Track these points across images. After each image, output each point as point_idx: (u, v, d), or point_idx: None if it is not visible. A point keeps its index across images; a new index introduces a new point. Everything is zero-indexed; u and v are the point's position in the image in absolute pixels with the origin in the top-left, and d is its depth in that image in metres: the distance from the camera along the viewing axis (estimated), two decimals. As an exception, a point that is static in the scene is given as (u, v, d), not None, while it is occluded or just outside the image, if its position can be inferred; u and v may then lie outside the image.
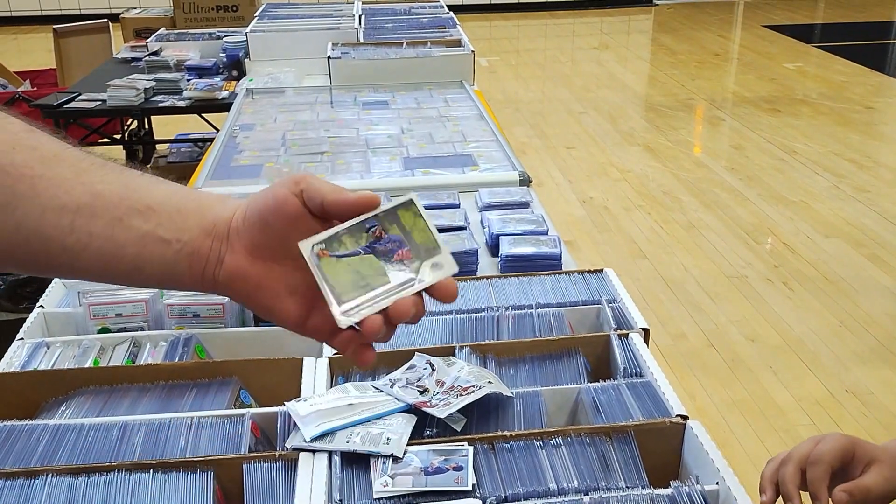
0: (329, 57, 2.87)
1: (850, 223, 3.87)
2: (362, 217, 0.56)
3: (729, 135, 5.42)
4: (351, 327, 0.55)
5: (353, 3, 3.76)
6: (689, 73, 6.73)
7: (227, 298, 1.23)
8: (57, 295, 1.36)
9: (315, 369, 1.11)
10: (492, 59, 7.33)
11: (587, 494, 0.85)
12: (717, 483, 0.86)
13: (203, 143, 3.84)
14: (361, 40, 3.17)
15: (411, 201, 0.57)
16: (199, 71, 3.45)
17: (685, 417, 0.97)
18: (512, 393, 1.04)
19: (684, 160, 4.89)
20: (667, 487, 0.86)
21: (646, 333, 1.17)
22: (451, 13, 3.62)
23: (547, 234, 1.62)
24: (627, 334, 1.15)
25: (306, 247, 0.55)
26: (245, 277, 0.57)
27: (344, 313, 0.55)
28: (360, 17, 3.49)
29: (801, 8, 9.35)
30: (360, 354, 0.57)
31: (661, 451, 0.96)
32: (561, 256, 1.52)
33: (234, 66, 3.45)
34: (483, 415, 1.01)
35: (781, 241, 3.73)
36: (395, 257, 0.56)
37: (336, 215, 0.56)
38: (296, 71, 3.05)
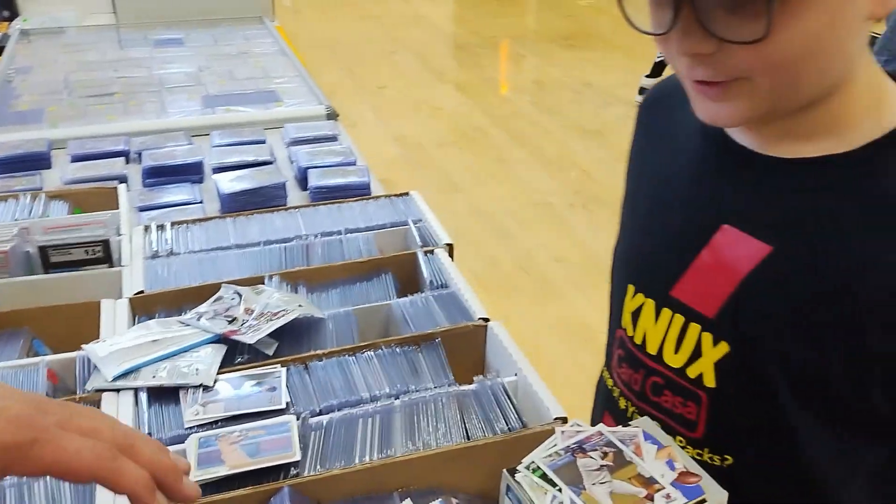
0: (113, -8, 2.66)
1: (641, 148, 4.19)
2: None
3: (531, 71, 5.64)
4: None
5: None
6: (493, 12, 6.90)
7: (9, 245, 1.14)
8: None
9: (115, 311, 1.06)
10: (296, -1, 7.11)
11: (398, 398, 0.89)
12: (516, 374, 0.93)
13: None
14: (149, -26, 2.96)
15: None
16: (-39, 10, 3.07)
17: (486, 320, 1.03)
18: (324, 314, 1.05)
19: (492, 96, 5.05)
20: (472, 384, 0.92)
21: (450, 248, 1.22)
22: (247, -54, 3.45)
23: (355, 164, 1.63)
24: (433, 250, 1.20)
25: None
26: None
27: None
28: (145, -51, 3.24)
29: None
30: None
31: (468, 352, 1.02)
32: (370, 185, 1.54)
33: (5, 6, 3.10)
34: (296, 338, 1.02)
35: (581, 168, 3.97)
36: None
37: None
38: (76, 9, 2.80)
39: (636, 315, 0.79)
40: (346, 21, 6.68)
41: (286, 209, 1.33)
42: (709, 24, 0.59)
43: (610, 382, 0.87)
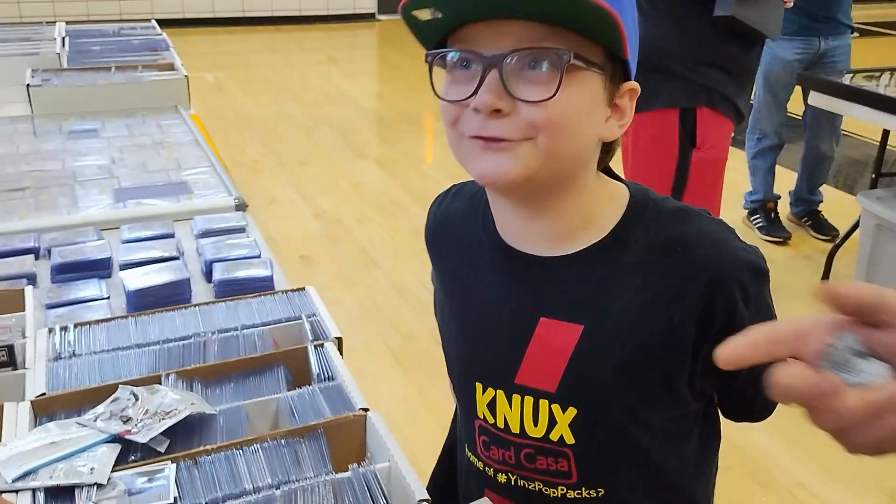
0: (28, 85, 2.73)
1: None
2: None
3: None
4: None
5: (55, 25, 3.57)
6: (413, 87, 7.16)
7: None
8: None
9: (17, 414, 1.13)
10: (219, 76, 7.24)
11: (278, 488, 0.98)
12: (389, 461, 1.04)
13: None
14: (65, 65, 3.04)
15: None
16: None
17: (366, 409, 1.14)
18: (215, 410, 1.14)
19: (411, 171, 5.24)
20: (347, 471, 1.02)
21: (339, 342, 1.33)
22: (164, 35, 3.57)
23: (259, 257, 1.73)
24: (323, 344, 1.30)
25: None
26: None
27: None
28: (62, 39, 3.33)
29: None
30: None
31: (349, 441, 1.12)
32: (272, 278, 1.64)
33: (-84, 94, 3.13)
34: (188, 434, 1.10)
35: (495, 240, 4.15)
36: None
37: None
38: (-9, 100, 2.86)
39: (492, 405, 0.96)
40: (269, 97, 6.83)
41: (186, 307, 1.42)
42: (510, 87, 0.78)
43: (480, 465, 1.02)
